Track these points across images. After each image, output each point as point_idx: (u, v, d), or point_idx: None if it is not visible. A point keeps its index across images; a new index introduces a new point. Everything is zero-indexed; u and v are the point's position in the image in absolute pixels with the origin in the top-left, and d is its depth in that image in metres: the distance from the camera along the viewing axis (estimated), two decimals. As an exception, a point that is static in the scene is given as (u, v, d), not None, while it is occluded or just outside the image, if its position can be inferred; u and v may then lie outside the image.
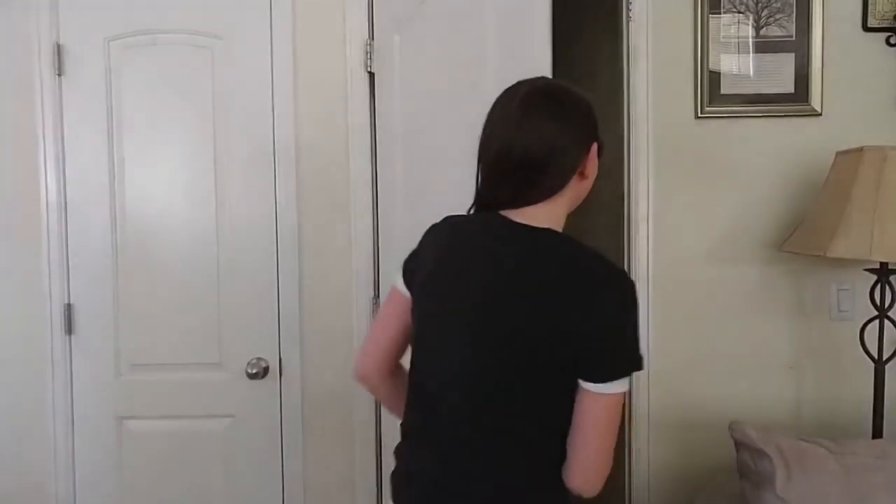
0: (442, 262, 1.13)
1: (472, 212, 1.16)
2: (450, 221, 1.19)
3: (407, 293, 1.19)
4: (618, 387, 1.01)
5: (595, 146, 1.11)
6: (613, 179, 2.18)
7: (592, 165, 1.11)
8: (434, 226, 1.21)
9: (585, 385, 1.01)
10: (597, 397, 1.01)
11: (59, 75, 2.02)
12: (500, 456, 1.06)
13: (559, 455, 1.06)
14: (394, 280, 1.23)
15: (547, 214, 1.09)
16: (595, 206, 1.44)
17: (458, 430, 1.08)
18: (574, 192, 1.11)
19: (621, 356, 1.02)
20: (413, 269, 1.19)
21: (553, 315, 1.00)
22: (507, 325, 1.03)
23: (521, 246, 1.06)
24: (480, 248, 1.10)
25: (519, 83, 1.12)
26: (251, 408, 2.07)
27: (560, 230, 1.10)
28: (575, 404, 1.03)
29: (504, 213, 1.10)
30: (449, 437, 1.10)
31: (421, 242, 1.21)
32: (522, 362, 1.03)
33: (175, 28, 2.04)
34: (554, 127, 1.06)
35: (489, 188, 1.11)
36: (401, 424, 1.21)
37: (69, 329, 2.05)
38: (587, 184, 1.13)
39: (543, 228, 1.08)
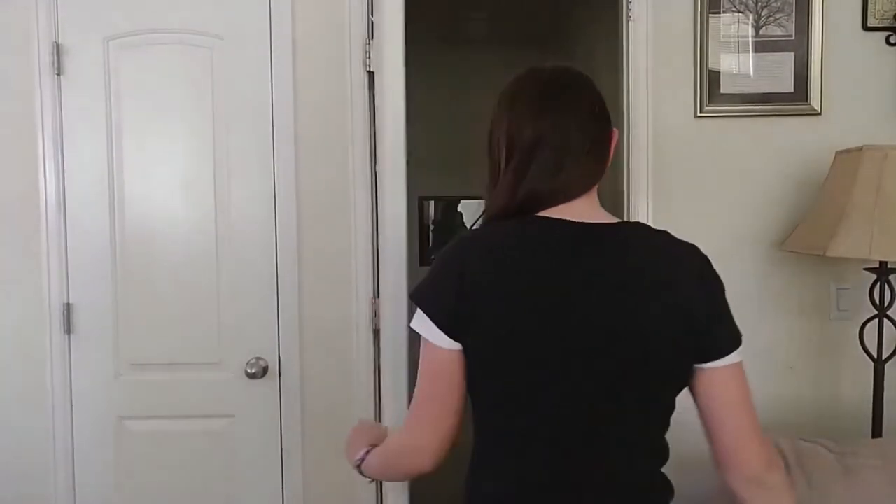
0: (534, 290, 0.97)
1: (482, 219, 1.07)
2: (495, 241, 1.01)
3: (456, 346, 0.99)
4: (740, 356, 1.05)
5: (615, 132, 1.09)
6: (613, 178, 2.19)
7: (612, 152, 1.09)
8: (467, 249, 1.01)
9: (717, 364, 1.02)
10: (733, 369, 1.03)
11: (59, 75, 2.02)
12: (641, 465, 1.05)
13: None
14: (430, 335, 0.99)
15: (595, 205, 1.05)
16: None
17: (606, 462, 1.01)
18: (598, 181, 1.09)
19: (731, 324, 1.06)
20: (465, 312, 0.96)
21: (673, 306, 0.99)
22: (640, 332, 0.98)
23: (617, 246, 1.01)
24: (577, 263, 0.98)
25: (528, 73, 1.11)
26: (250, 408, 2.07)
27: None
28: (704, 394, 1.04)
29: (547, 213, 1.01)
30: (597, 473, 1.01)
31: (459, 273, 0.97)
32: (656, 365, 1.00)
33: (175, 28, 2.03)
34: (590, 111, 1.05)
35: (537, 182, 1.00)
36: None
37: (68, 329, 2.05)
38: (606, 170, 1.09)
39: (618, 222, 1.05)
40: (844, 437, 1.77)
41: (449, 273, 0.99)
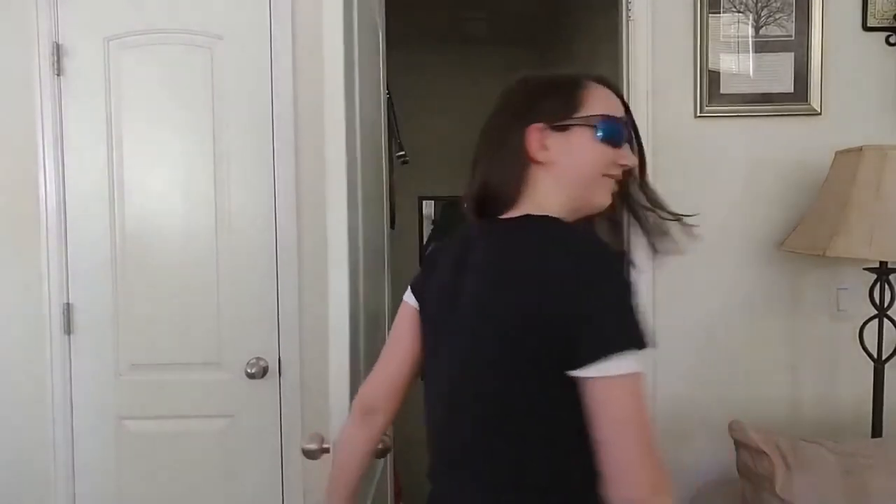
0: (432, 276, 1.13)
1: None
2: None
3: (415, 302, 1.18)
4: (626, 369, 0.87)
5: (530, 130, 1.01)
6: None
7: (537, 146, 1.01)
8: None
9: (583, 373, 0.88)
10: (609, 383, 0.87)
11: (59, 75, 2.02)
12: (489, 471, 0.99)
13: (549, 469, 0.95)
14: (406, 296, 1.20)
15: (529, 207, 1.03)
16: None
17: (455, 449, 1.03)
18: (554, 181, 1.02)
19: (604, 330, 0.88)
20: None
21: (514, 305, 0.92)
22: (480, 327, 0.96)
23: (492, 240, 1.01)
24: (454, 253, 1.08)
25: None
26: (250, 408, 2.07)
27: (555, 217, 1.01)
28: (585, 407, 0.89)
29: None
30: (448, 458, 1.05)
31: (426, 257, 1.21)
32: (488, 368, 0.96)
33: (175, 28, 2.04)
34: (497, 117, 1.06)
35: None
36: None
37: (68, 329, 2.05)
38: (562, 169, 1.02)
39: (517, 217, 1.02)
40: (844, 437, 1.77)
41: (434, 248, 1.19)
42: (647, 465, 0.88)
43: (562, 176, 1.02)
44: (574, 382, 0.89)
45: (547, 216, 1.01)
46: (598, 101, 1.04)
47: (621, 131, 1.05)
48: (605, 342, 0.87)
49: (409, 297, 1.16)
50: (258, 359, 2.05)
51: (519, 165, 1.02)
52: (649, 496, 0.87)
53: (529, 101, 1.05)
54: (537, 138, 1.01)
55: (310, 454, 1.40)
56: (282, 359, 2.06)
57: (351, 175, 1.43)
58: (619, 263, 0.97)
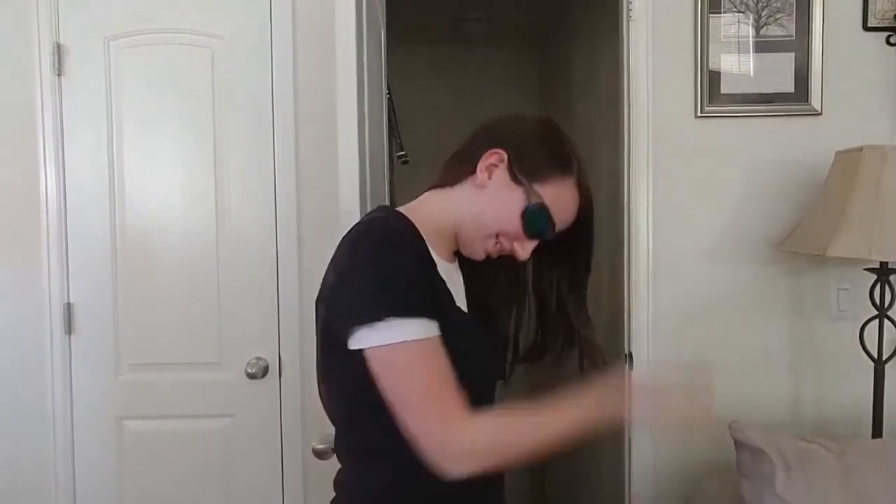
0: None
1: None
2: None
3: None
4: (373, 341, 0.91)
5: (496, 152, 1.04)
6: (613, 178, 2.19)
7: (485, 165, 1.04)
8: None
9: (350, 346, 0.94)
10: (364, 355, 0.93)
11: (59, 75, 2.02)
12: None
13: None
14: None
15: (418, 203, 1.12)
16: (594, 206, 1.43)
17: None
18: (468, 201, 1.06)
19: (348, 304, 0.96)
20: None
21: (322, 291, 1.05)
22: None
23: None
24: None
25: None
26: (251, 407, 2.07)
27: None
28: None
29: None
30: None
31: None
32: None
33: (175, 28, 2.04)
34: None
35: None
36: None
37: (69, 329, 2.05)
38: (482, 201, 1.05)
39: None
40: (844, 438, 1.77)
41: None
42: (424, 433, 0.93)
43: (475, 204, 1.05)
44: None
45: (378, 210, 1.10)
46: (559, 197, 1.04)
47: (543, 230, 1.04)
48: (349, 316, 0.96)
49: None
50: (258, 359, 2.05)
51: (468, 164, 1.06)
52: (438, 454, 0.92)
53: (520, 134, 1.07)
54: (492, 160, 1.04)
55: (320, 454, 1.40)
56: (282, 359, 2.06)
57: (362, 174, 1.45)
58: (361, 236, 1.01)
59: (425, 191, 1.13)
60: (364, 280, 0.94)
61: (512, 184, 1.03)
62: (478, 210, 1.05)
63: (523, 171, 1.03)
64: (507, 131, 1.08)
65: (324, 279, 1.04)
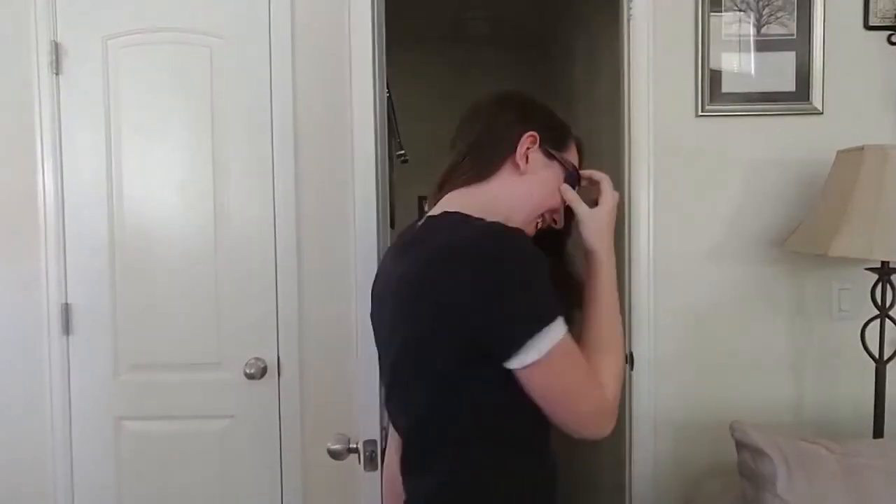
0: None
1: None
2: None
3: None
4: None
5: (531, 135, 1.06)
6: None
7: (523, 151, 1.06)
8: None
9: None
10: None
11: (57, 74, 2.02)
12: None
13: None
14: None
15: (452, 201, 1.07)
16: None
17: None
18: (510, 189, 1.07)
19: None
20: None
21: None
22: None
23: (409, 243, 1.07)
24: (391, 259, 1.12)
25: None
26: (250, 408, 2.07)
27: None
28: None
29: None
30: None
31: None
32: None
33: (174, 27, 2.03)
34: (489, 109, 1.12)
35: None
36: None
37: (67, 329, 2.05)
38: (525, 185, 1.07)
39: (428, 216, 1.07)
40: (845, 438, 1.76)
41: None
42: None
43: (521, 190, 1.07)
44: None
45: (446, 215, 1.06)
46: (574, 156, 1.13)
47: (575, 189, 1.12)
48: None
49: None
50: (257, 359, 2.04)
51: (500, 155, 1.07)
52: None
53: (534, 113, 1.11)
54: (528, 144, 1.07)
55: (336, 455, 1.40)
56: (281, 359, 2.06)
57: (378, 173, 1.47)
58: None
59: (447, 192, 1.09)
60: (515, 299, 0.91)
61: (546, 160, 1.09)
62: (526, 194, 1.08)
63: (553, 145, 1.09)
64: (528, 112, 1.10)
65: (425, 294, 0.95)
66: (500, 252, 0.92)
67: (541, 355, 0.91)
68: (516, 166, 1.06)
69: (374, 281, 1.16)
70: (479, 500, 1.00)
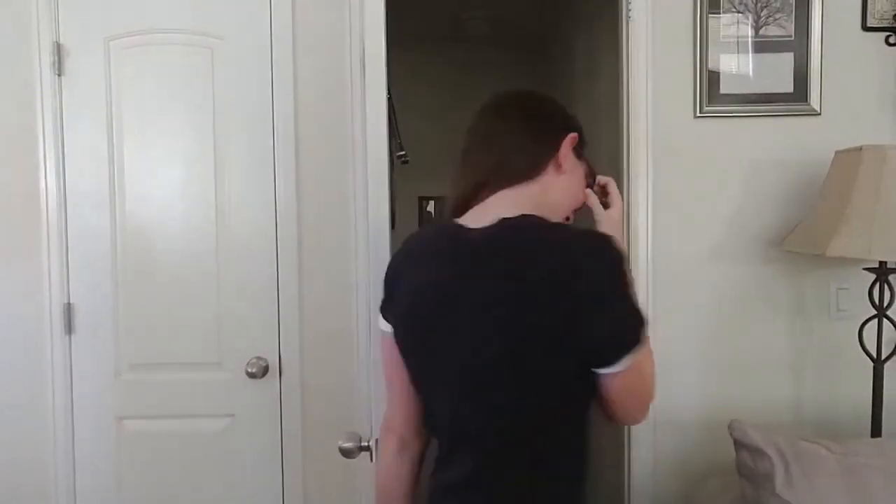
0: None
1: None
2: (412, 241, 1.18)
3: (389, 327, 1.15)
4: None
5: (572, 137, 1.11)
6: (613, 178, 2.19)
7: (563, 154, 1.10)
8: (400, 248, 1.19)
9: None
10: None
11: (59, 75, 2.02)
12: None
13: None
14: (379, 321, 1.19)
15: (501, 204, 1.07)
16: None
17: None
18: (548, 190, 1.10)
19: None
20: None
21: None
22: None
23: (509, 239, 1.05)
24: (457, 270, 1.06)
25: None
26: (251, 407, 2.07)
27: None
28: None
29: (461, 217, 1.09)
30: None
31: (391, 266, 1.18)
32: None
33: (175, 28, 2.04)
34: (496, 116, 1.12)
35: (450, 188, 1.13)
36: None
37: (69, 329, 2.05)
38: (560, 186, 1.11)
39: (499, 222, 1.05)
40: (844, 437, 1.77)
41: (388, 267, 1.17)
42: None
43: (562, 188, 1.11)
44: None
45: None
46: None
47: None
48: None
49: (385, 326, 1.15)
50: (258, 358, 2.05)
51: (547, 155, 1.09)
52: None
53: (569, 115, 1.14)
54: (570, 144, 1.10)
55: (347, 453, 1.40)
56: (282, 358, 2.06)
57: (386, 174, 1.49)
58: None
59: (490, 192, 1.08)
60: (626, 301, 0.96)
61: (577, 161, 1.13)
62: (565, 193, 1.12)
63: (582, 145, 1.14)
64: (566, 114, 1.14)
65: (527, 296, 0.95)
66: (617, 256, 0.96)
67: (637, 356, 0.97)
68: (558, 166, 1.10)
69: (404, 284, 1.10)
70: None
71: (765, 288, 2.03)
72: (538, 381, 0.98)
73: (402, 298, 1.10)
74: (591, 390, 1.01)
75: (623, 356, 0.96)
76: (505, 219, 1.03)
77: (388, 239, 1.49)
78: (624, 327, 0.97)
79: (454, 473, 1.06)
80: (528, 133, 1.10)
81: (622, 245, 1.00)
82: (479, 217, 1.06)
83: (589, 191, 1.17)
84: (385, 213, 1.47)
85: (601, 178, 1.22)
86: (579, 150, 1.13)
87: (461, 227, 1.07)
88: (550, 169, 1.09)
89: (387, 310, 1.15)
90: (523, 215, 1.03)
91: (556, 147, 1.09)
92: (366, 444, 1.43)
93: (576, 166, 1.13)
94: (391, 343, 1.13)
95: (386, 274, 1.16)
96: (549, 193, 1.09)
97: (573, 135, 1.10)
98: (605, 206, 1.19)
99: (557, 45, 3.68)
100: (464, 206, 1.10)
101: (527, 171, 1.08)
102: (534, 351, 0.96)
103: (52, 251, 2.03)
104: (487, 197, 1.08)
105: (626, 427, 2.02)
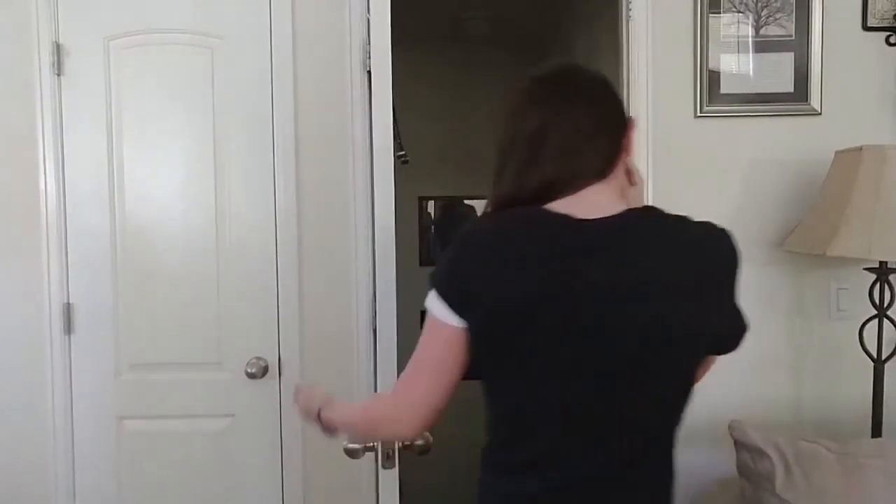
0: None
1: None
2: (502, 229, 1.02)
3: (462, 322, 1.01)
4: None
5: (632, 120, 1.09)
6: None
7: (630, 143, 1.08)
8: (478, 234, 1.04)
9: None
10: None
11: (59, 75, 2.02)
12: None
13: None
14: (439, 312, 1.02)
15: (609, 194, 1.04)
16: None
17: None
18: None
19: None
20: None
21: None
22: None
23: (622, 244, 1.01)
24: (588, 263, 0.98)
25: (530, 75, 1.13)
26: (250, 408, 2.07)
27: None
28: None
29: (555, 205, 1.00)
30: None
31: (470, 256, 1.01)
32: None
33: (175, 28, 2.04)
34: (594, 96, 1.07)
35: (548, 167, 1.02)
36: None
37: (69, 329, 2.05)
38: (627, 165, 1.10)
39: (624, 213, 1.02)
40: (844, 437, 1.77)
41: (461, 255, 1.02)
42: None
43: (616, 161, 1.07)
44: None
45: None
46: None
47: None
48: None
49: (455, 321, 1.01)
50: (258, 358, 2.05)
51: (617, 146, 1.06)
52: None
53: (614, 96, 1.09)
54: (632, 131, 1.08)
55: (352, 453, 1.40)
56: (282, 358, 2.06)
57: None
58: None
59: (581, 187, 1.03)
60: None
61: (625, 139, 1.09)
62: (628, 174, 1.10)
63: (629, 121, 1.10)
64: (610, 101, 1.08)
65: (677, 289, 0.99)
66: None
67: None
68: (627, 150, 1.08)
69: (506, 277, 0.98)
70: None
71: (765, 288, 2.03)
72: (684, 370, 1.03)
73: (505, 291, 0.97)
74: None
75: (741, 342, 1.06)
76: (631, 209, 1.03)
77: (392, 239, 1.49)
78: (741, 314, 1.08)
79: (575, 471, 1.01)
80: (609, 121, 1.06)
81: None
82: (584, 208, 1.00)
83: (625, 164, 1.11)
84: (390, 213, 1.46)
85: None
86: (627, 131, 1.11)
87: (571, 217, 0.99)
88: (622, 159, 1.08)
89: (466, 306, 1.00)
90: (647, 207, 1.06)
91: (626, 133, 1.07)
92: (370, 444, 1.43)
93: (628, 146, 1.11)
94: (458, 337, 1.01)
95: (461, 269, 1.01)
96: (620, 178, 1.07)
97: (631, 119, 1.09)
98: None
99: (557, 45, 3.68)
100: (529, 201, 1.02)
101: (612, 163, 1.05)
102: (685, 339, 1.00)
103: (52, 251, 2.03)
104: (578, 189, 1.02)
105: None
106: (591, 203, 1.01)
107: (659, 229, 1.02)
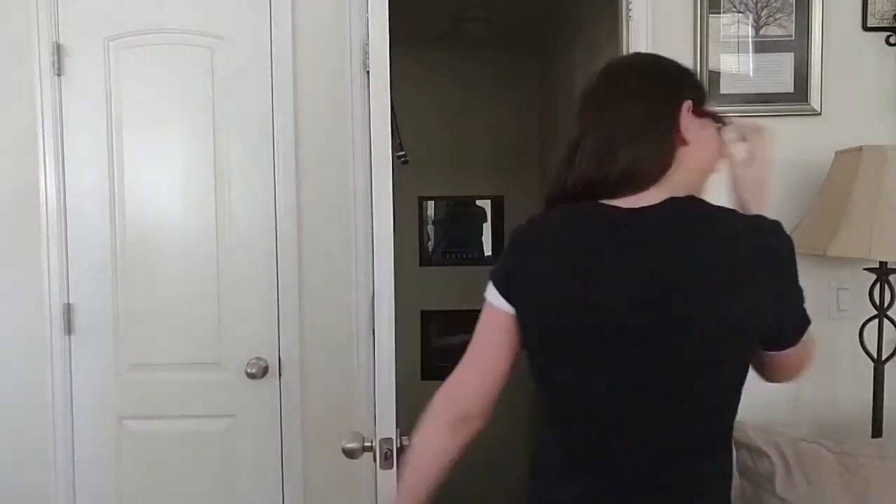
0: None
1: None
2: (549, 222, 1.08)
3: (510, 309, 1.06)
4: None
5: (685, 107, 1.04)
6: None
7: (683, 125, 1.03)
8: (528, 228, 1.08)
9: None
10: None
11: (59, 75, 2.02)
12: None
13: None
14: (491, 296, 1.08)
15: (662, 194, 1.02)
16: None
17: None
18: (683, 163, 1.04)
19: None
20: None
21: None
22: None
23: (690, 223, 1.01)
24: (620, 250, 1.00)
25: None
26: (250, 408, 2.07)
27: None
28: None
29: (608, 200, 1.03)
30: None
31: (518, 247, 1.08)
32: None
33: (175, 28, 2.04)
34: (635, 94, 1.05)
35: (583, 170, 1.04)
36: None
37: (69, 329, 2.05)
38: (693, 154, 1.05)
39: (666, 201, 1.02)
40: (844, 438, 1.77)
41: (510, 248, 1.09)
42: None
43: (696, 160, 1.06)
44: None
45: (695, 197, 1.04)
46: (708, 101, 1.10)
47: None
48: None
49: (505, 306, 1.06)
50: (258, 359, 2.05)
51: (670, 144, 1.03)
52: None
53: (672, 79, 1.07)
54: (684, 116, 1.04)
55: (350, 453, 1.39)
56: (282, 359, 2.06)
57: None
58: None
59: (642, 188, 1.03)
60: (798, 287, 1.05)
61: (700, 120, 1.06)
62: (700, 162, 1.07)
63: (701, 102, 1.07)
64: (670, 78, 1.07)
65: (722, 282, 0.98)
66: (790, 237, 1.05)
67: (805, 336, 1.05)
68: (682, 141, 1.03)
69: (556, 267, 1.03)
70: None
71: (765, 288, 2.02)
72: (725, 364, 1.02)
73: (542, 282, 1.03)
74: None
75: (800, 337, 1.04)
76: (674, 199, 1.01)
77: (392, 239, 1.48)
78: (801, 309, 1.04)
79: (620, 474, 1.02)
80: (647, 122, 1.03)
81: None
82: (631, 200, 1.02)
83: (727, 139, 1.09)
84: (390, 213, 1.46)
85: (742, 126, 1.13)
86: (699, 108, 1.06)
87: (617, 207, 1.02)
88: (678, 148, 1.04)
89: (512, 292, 1.05)
90: (689, 196, 1.03)
91: (677, 124, 1.03)
92: (369, 444, 1.42)
93: (699, 127, 1.05)
94: (508, 321, 1.06)
95: (509, 259, 1.07)
96: (685, 171, 1.04)
97: (688, 103, 1.04)
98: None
99: (557, 45, 3.68)
100: (577, 197, 1.05)
101: (666, 162, 1.03)
102: (739, 333, 0.99)
103: (52, 251, 2.03)
104: (617, 191, 1.03)
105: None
106: (640, 196, 1.02)
107: (698, 220, 1.01)
